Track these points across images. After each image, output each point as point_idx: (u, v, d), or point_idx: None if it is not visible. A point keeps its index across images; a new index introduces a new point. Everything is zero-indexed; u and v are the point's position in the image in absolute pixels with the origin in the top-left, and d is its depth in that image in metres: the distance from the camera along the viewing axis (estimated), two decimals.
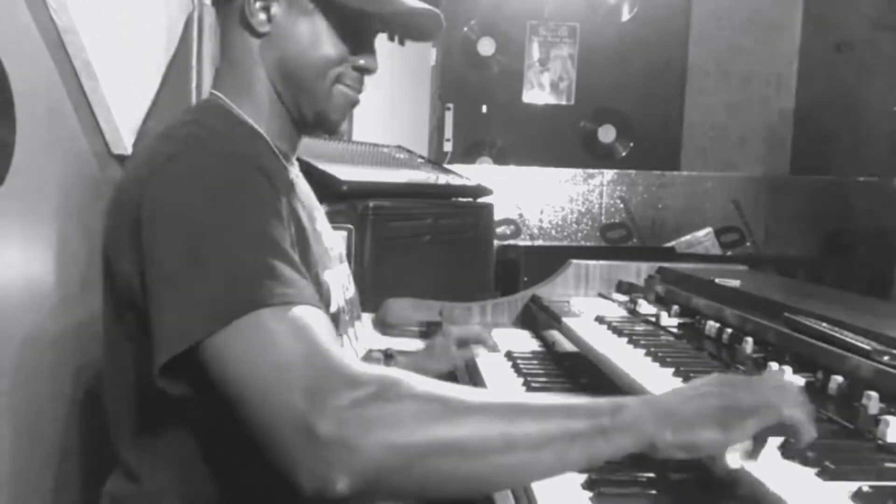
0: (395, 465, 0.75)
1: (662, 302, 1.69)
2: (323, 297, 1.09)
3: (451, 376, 1.51)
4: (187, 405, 0.91)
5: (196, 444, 1.00)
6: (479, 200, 2.77)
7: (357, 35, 1.10)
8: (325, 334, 0.82)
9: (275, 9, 1.06)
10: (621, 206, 4.05)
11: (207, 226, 0.87)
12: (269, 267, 0.85)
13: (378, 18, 1.11)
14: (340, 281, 1.20)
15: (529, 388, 1.38)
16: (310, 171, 1.98)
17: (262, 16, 1.06)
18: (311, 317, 0.83)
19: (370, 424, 0.74)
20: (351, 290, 1.26)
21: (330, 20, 1.07)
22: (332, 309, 1.13)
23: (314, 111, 1.11)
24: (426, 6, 1.13)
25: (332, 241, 1.23)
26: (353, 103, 1.14)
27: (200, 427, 1.00)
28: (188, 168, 0.93)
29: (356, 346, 1.23)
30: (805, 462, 0.83)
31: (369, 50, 1.12)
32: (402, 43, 3.37)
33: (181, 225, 0.88)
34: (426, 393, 0.79)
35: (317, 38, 1.07)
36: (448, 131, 4.25)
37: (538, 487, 0.95)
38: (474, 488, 0.83)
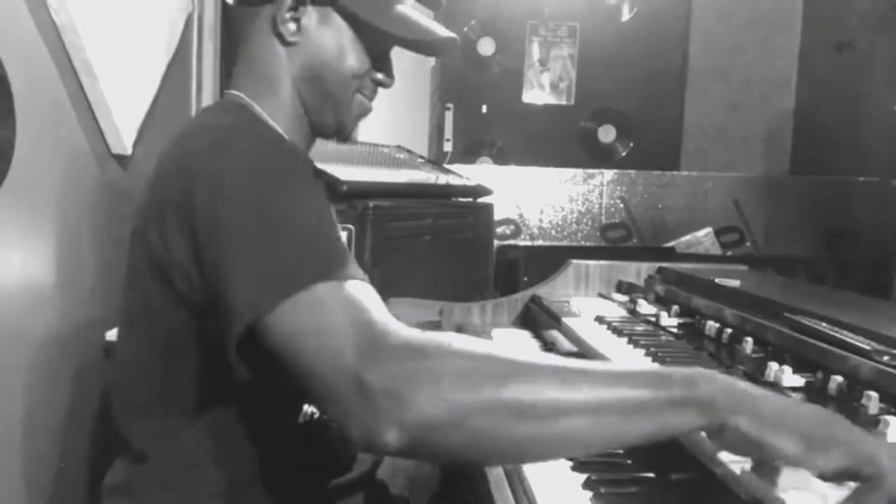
0: (445, 420, 0.74)
1: (662, 302, 1.69)
2: None
3: None
4: (203, 388, 0.94)
5: (206, 426, 1.01)
6: (479, 200, 2.77)
7: (379, 50, 1.15)
8: (377, 304, 0.85)
9: (305, 20, 1.10)
10: (621, 206, 4.04)
11: (269, 203, 0.90)
12: (326, 244, 0.89)
13: (404, 42, 1.16)
14: None
15: None
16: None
17: (293, 25, 1.10)
18: (364, 290, 0.87)
19: (421, 378, 0.75)
20: None
21: (357, 34, 1.11)
22: None
23: (335, 118, 1.16)
24: (446, 34, 1.17)
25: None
26: (367, 112, 1.20)
27: (213, 405, 1.02)
28: (243, 150, 0.96)
29: None
30: None
31: (389, 65, 1.19)
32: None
33: (243, 203, 0.90)
34: (480, 351, 0.78)
35: (344, 50, 1.12)
36: (448, 131, 4.24)
37: (537, 488, 0.95)
38: (527, 452, 0.81)
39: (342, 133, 1.20)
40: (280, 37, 1.11)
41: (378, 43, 1.14)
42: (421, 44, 1.17)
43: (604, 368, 0.81)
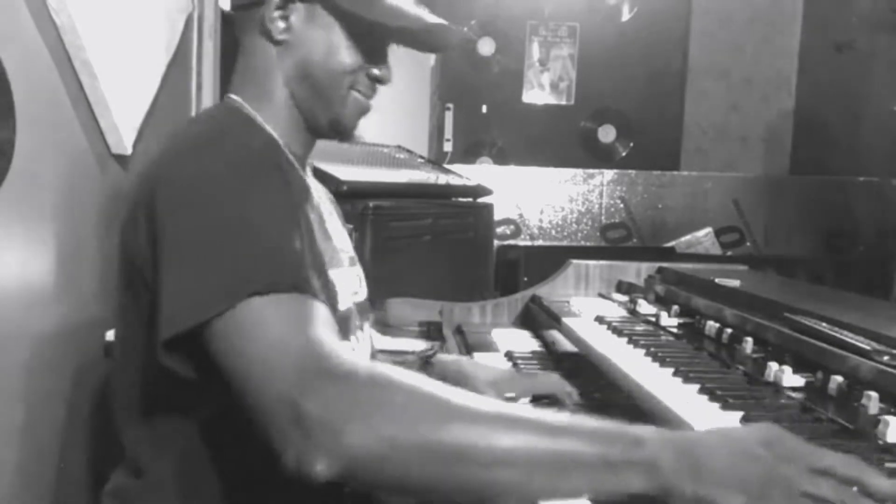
0: (377, 456, 0.73)
1: (662, 302, 1.69)
2: (329, 296, 1.10)
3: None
4: (190, 391, 0.92)
5: (198, 433, 1.01)
6: (479, 200, 2.77)
7: (372, 45, 1.14)
8: (322, 323, 0.83)
9: (293, 18, 1.09)
10: (621, 206, 4.05)
11: (219, 211, 0.89)
12: (275, 254, 0.87)
13: (394, 31, 1.14)
14: (350, 282, 1.20)
15: None
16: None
17: (282, 24, 1.09)
18: (312, 306, 0.84)
19: (358, 409, 0.74)
20: (362, 294, 1.26)
21: (346, 30, 1.10)
22: (341, 308, 1.14)
23: (329, 117, 1.15)
24: (441, 22, 1.17)
25: (343, 242, 1.23)
26: (366, 110, 1.18)
27: (203, 416, 1.01)
28: (208, 154, 0.96)
29: (364, 348, 1.22)
30: None
31: (384, 60, 1.16)
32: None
33: (194, 208, 0.90)
34: (423, 389, 0.77)
35: (334, 47, 1.10)
36: (448, 131, 4.24)
37: None
38: (457, 495, 0.80)
39: (340, 131, 1.18)
40: (269, 36, 1.10)
41: (369, 36, 1.12)
42: (416, 34, 1.15)
43: (546, 420, 0.77)
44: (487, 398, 0.80)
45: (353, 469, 0.74)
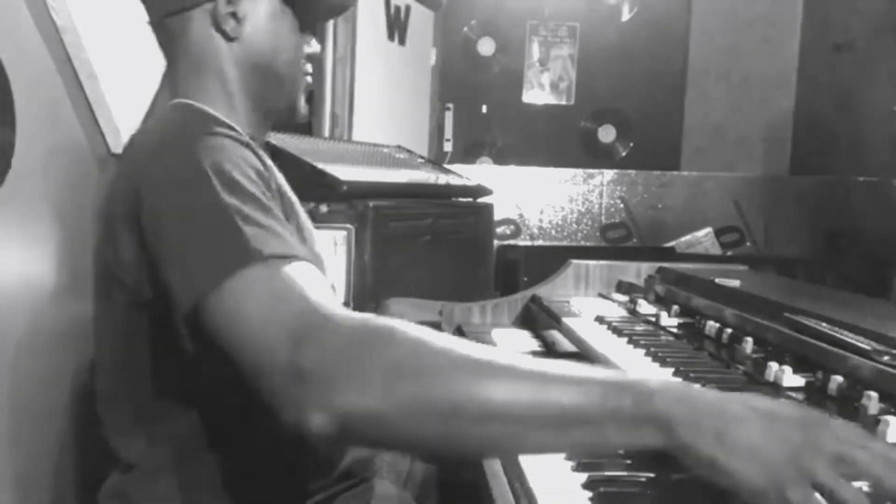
0: (373, 411, 0.72)
1: (662, 302, 1.69)
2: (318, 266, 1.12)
3: None
4: (183, 380, 0.94)
5: (190, 422, 1.01)
6: (479, 200, 2.77)
7: (309, 25, 1.17)
8: (316, 285, 0.83)
9: (241, 12, 1.10)
10: (621, 206, 4.05)
11: (203, 193, 0.89)
12: (263, 226, 0.87)
13: (326, 6, 1.20)
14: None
15: None
16: (308, 171, 1.99)
17: (233, 20, 1.10)
18: (304, 270, 0.84)
19: (354, 364, 0.73)
20: (338, 292, 1.28)
21: (294, 16, 1.13)
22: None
23: (286, 103, 1.18)
24: None
25: (316, 243, 1.23)
26: (310, 87, 1.22)
27: (194, 405, 1.01)
28: (181, 146, 0.96)
29: None
30: None
31: (314, 35, 1.20)
32: (402, 43, 3.38)
33: (174, 195, 0.91)
34: (414, 340, 0.75)
35: (285, 34, 1.13)
36: (448, 131, 4.24)
37: (537, 487, 0.95)
38: (452, 451, 0.79)
39: (294, 113, 1.20)
40: (223, 33, 1.10)
41: (309, 17, 1.17)
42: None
43: (552, 370, 0.74)
44: (491, 349, 0.77)
45: (347, 424, 0.72)
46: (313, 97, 2.63)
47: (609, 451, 0.74)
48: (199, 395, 1.01)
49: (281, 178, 1.20)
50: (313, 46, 1.19)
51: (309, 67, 1.19)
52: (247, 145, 1.01)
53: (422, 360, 0.73)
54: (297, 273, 0.83)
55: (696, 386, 0.74)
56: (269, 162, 1.15)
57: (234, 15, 1.09)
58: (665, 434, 0.68)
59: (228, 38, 1.10)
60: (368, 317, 0.78)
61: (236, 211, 0.88)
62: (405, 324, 0.77)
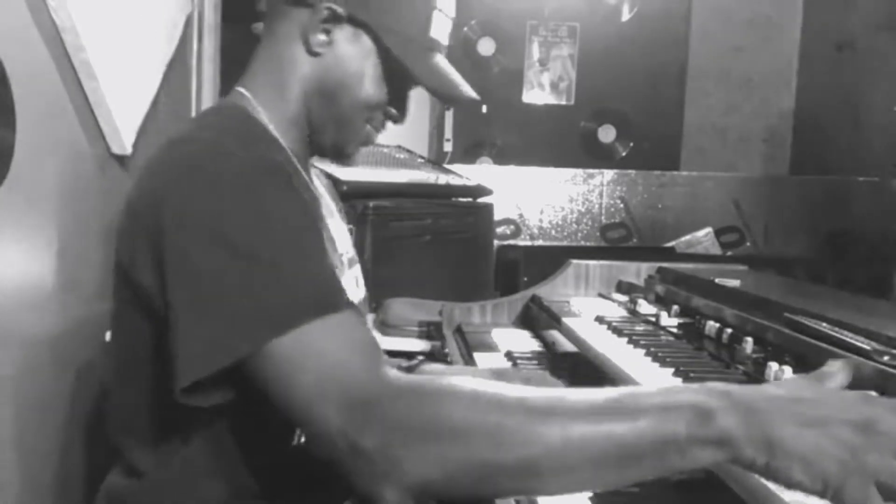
0: (440, 479, 0.73)
1: (662, 302, 1.69)
2: None
3: None
4: (203, 412, 0.90)
5: (205, 442, 1.00)
6: (479, 200, 2.77)
7: (400, 87, 1.13)
8: (362, 341, 0.82)
9: (337, 35, 1.07)
10: (621, 206, 4.05)
11: (236, 236, 0.85)
12: (305, 275, 0.84)
13: (424, 87, 1.13)
14: (349, 285, 1.19)
15: None
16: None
17: (323, 37, 1.07)
18: (349, 323, 0.83)
19: (412, 436, 0.73)
20: (359, 295, 1.26)
21: (383, 65, 1.09)
22: None
23: (335, 140, 1.14)
24: (471, 95, 1.14)
25: (344, 243, 1.23)
26: (371, 142, 1.18)
27: (212, 428, 0.99)
28: (212, 174, 0.90)
29: None
30: None
31: (405, 104, 1.15)
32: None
33: (208, 236, 0.86)
34: (471, 401, 0.74)
35: (367, 78, 1.09)
36: (448, 131, 4.24)
37: None
38: (522, 495, 0.84)
39: (341, 156, 1.17)
40: (307, 44, 1.07)
41: (401, 80, 1.12)
42: (443, 97, 1.16)
43: (605, 402, 0.73)
44: (537, 388, 0.77)
45: (422, 493, 0.74)
46: None
47: (672, 475, 0.76)
48: (215, 414, 0.98)
49: (320, 192, 1.19)
50: (399, 111, 1.15)
51: (379, 123, 1.15)
52: (287, 175, 0.96)
53: (479, 421, 0.72)
54: (345, 329, 0.82)
55: (747, 388, 0.73)
56: (310, 186, 1.14)
57: (326, 32, 1.07)
58: (727, 452, 0.68)
59: (310, 52, 1.07)
60: (419, 379, 0.79)
61: (276, 257, 0.84)
62: (454, 381, 0.77)
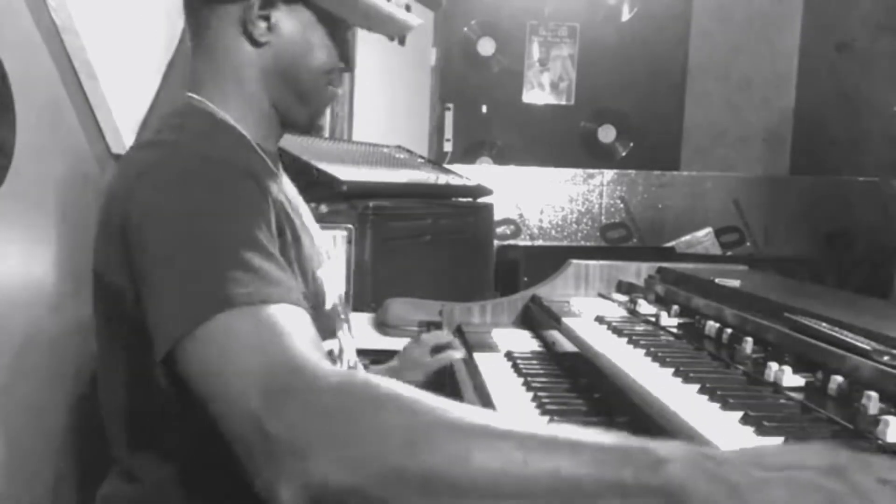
0: (343, 486, 0.66)
1: (662, 302, 1.69)
2: (318, 296, 1.11)
3: (450, 375, 1.51)
4: (185, 408, 0.89)
5: (196, 443, 1.00)
6: (479, 200, 2.77)
7: (342, 39, 1.13)
8: (297, 334, 0.79)
9: (275, 18, 1.06)
10: (621, 206, 4.05)
11: (186, 229, 0.87)
12: (246, 266, 0.83)
13: (365, 27, 1.16)
14: (332, 278, 1.20)
15: (529, 389, 1.38)
16: (309, 171, 1.99)
17: (264, 25, 1.06)
18: (286, 315, 0.81)
19: (323, 431, 0.68)
20: (341, 288, 1.27)
21: (325, 28, 1.09)
22: (328, 306, 1.14)
23: (308, 114, 1.14)
24: (408, 23, 1.16)
25: (320, 239, 1.23)
26: (334, 100, 1.22)
27: (200, 427, 0.99)
28: (171, 174, 0.93)
29: (348, 343, 1.22)
30: None
31: (349, 50, 1.16)
32: (401, 43, 3.38)
33: (162, 230, 0.88)
34: (397, 405, 0.69)
35: (314, 47, 1.09)
36: (448, 131, 4.25)
37: None
38: None
39: (314, 125, 1.18)
40: (250, 37, 1.06)
41: (343, 31, 1.13)
42: (384, 28, 1.19)
43: (541, 435, 0.66)
44: (479, 409, 0.72)
45: (321, 498, 0.67)
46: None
47: None
48: (199, 421, 0.98)
49: (290, 192, 1.19)
50: (346, 63, 1.15)
51: (338, 79, 1.15)
52: (249, 174, 0.98)
53: (406, 430, 0.66)
54: (279, 320, 0.79)
55: (709, 448, 0.67)
56: (275, 186, 1.11)
57: (266, 19, 1.06)
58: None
59: (255, 43, 1.07)
60: (349, 375, 0.74)
61: (223, 252, 0.85)
62: (389, 383, 0.71)
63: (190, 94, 1.10)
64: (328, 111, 2.89)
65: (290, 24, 1.07)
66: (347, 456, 0.66)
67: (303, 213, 1.19)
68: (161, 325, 0.83)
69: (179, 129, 1.04)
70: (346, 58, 1.14)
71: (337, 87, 1.15)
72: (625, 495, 0.61)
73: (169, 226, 0.88)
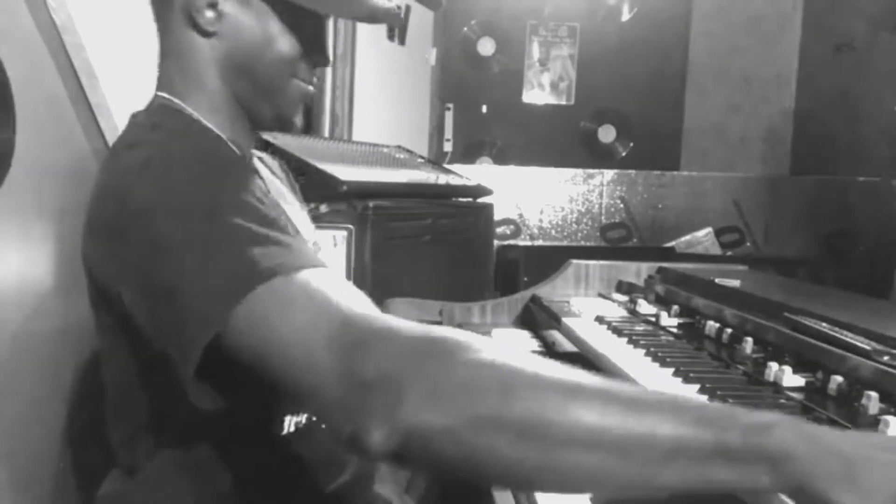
0: (443, 428, 0.63)
1: (662, 302, 1.69)
2: None
3: None
4: (187, 406, 0.89)
5: (199, 443, 1.00)
6: (479, 200, 2.77)
7: (308, 28, 1.05)
8: (348, 291, 0.78)
9: (223, 5, 1.01)
10: (621, 206, 4.05)
11: (196, 219, 0.84)
12: (268, 239, 0.81)
13: (330, 14, 1.07)
14: None
15: None
16: (308, 171, 1.99)
17: (210, 13, 1.01)
18: (329, 277, 0.79)
19: (415, 370, 0.65)
20: None
21: (283, 17, 1.02)
22: None
23: (272, 110, 1.07)
24: (376, 4, 1.07)
25: (307, 234, 1.20)
26: (308, 97, 1.10)
27: (203, 426, 0.99)
28: (164, 170, 0.90)
29: None
30: None
31: (322, 43, 1.08)
32: (401, 42, 3.37)
33: (176, 225, 0.84)
34: (491, 353, 0.66)
35: (270, 35, 1.02)
36: (448, 131, 4.24)
37: (541, 496, 0.95)
38: (530, 481, 0.67)
39: (283, 122, 1.10)
40: (198, 27, 1.01)
41: (306, 21, 1.04)
42: (347, 17, 1.11)
43: (643, 394, 0.66)
44: (574, 369, 0.67)
45: (413, 443, 0.64)
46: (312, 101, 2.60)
47: (711, 491, 0.60)
48: (204, 412, 0.96)
49: (274, 185, 1.18)
50: (319, 55, 1.08)
51: (305, 73, 1.07)
52: (233, 160, 0.96)
53: (502, 374, 0.65)
54: (327, 281, 0.77)
55: (820, 426, 0.65)
56: (261, 170, 1.12)
57: (212, 7, 1.00)
58: (777, 473, 0.59)
59: (204, 34, 1.01)
60: (430, 327, 0.71)
61: (242, 232, 0.82)
62: (465, 333, 0.70)
63: (159, 94, 1.07)
64: (329, 109, 2.88)
65: (240, 11, 1.01)
66: (442, 396, 0.64)
67: (288, 209, 1.15)
68: (196, 316, 0.78)
69: (159, 129, 1.00)
70: (316, 49, 1.07)
71: (306, 81, 1.08)
72: (728, 457, 0.59)
73: (179, 218, 0.84)
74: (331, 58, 1.11)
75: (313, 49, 1.06)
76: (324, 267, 0.81)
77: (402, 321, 0.73)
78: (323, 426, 0.83)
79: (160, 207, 0.86)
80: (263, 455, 1.03)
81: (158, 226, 0.85)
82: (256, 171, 1.10)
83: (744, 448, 0.59)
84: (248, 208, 0.85)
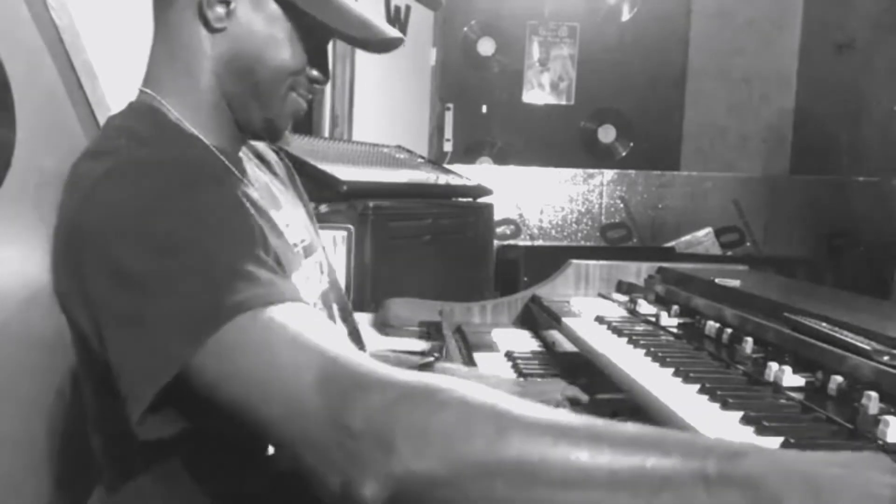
0: (436, 477, 0.64)
1: (662, 302, 1.69)
2: None
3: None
4: (159, 447, 0.83)
5: (178, 452, 0.96)
6: (479, 200, 2.77)
7: (314, 44, 1.03)
8: (330, 330, 0.76)
9: (235, 4, 0.97)
10: (621, 206, 4.05)
11: (156, 241, 0.79)
12: (235, 270, 0.77)
13: (341, 35, 1.03)
14: (311, 278, 1.13)
15: None
16: (308, 171, 1.99)
17: (221, 10, 0.97)
18: (310, 315, 0.77)
19: (405, 422, 0.65)
20: (325, 282, 1.19)
21: (293, 26, 0.99)
22: None
23: (264, 117, 1.03)
24: (391, 34, 1.04)
25: (299, 232, 1.14)
26: (301, 112, 1.07)
27: (182, 447, 0.92)
28: (125, 183, 0.84)
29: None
30: None
31: (325, 61, 1.06)
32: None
33: (126, 247, 0.79)
34: (478, 399, 0.66)
35: (278, 43, 0.99)
36: (448, 131, 4.25)
37: None
38: None
39: (272, 132, 1.06)
40: (206, 21, 0.97)
41: (316, 35, 1.01)
42: (360, 41, 1.04)
43: (625, 431, 0.66)
44: (552, 409, 0.69)
45: (407, 491, 0.64)
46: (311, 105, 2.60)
47: None
48: (182, 436, 0.89)
49: (251, 196, 1.05)
50: (321, 71, 1.04)
51: (304, 89, 1.04)
52: (211, 175, 0.90)
53: (483, 417, 0.65)
54: (308, 319, 0.75)
55: (787, 451, 0.68)
56: (241, 182, 1.05)
57: (225, 4, 0.97)
58: (755, 498, 0.61)
59: (211, 28, 0.97)
60: (416, 373, 0.70)
61: (205, 258, 0.77)
62: (451, 379, 0.69)
63: (142, 89, 1.02)
64: (329, 109, 2.87)
65: (251, 12, 0.98)
66: (433, 443, 0.64)
67: (274, 215, 1.09)
68: (153, 350, 0.74)
69: (129, 135, 0.94)
70: (318, 64, 1.04)
71: (304, 96, 1.05)
72: (708, 485, 0.61)
73: (138, 244, 0.79)
74: (330, 76, 1.07)
75: (316, 63, 1.04)
76: (300, 301, 0.78)
77: (386, 367, 0.71)
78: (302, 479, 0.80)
79: (116, 231, 0.80)
80: (247, 475, 0.98)
81: (113, 252, 0.80)
82: (240, 180, 1.05)
83: (720, 476, 0.61)
84: (218, 233, 0.81)
